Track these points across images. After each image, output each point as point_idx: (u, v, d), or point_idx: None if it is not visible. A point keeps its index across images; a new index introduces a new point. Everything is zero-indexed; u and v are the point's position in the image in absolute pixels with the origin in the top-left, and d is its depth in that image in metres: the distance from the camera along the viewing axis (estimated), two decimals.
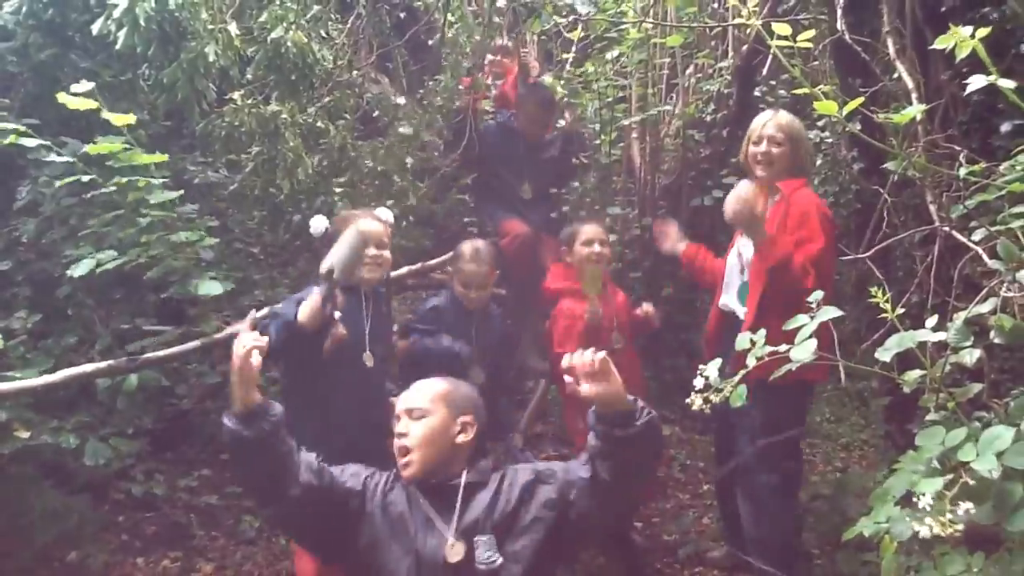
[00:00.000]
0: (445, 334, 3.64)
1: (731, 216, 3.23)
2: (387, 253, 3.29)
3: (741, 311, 3.47)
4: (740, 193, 3.20)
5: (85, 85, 3.32)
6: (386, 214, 3.40)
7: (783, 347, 1.97)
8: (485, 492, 2.34)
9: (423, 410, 2.39)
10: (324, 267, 2.92)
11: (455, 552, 2.23)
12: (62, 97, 3.28)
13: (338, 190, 4.52)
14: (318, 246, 3.31)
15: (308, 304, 2.92)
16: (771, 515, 3.41)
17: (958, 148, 2.83)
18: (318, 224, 3.29)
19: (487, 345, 3.74)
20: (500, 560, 2.22)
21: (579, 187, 5.65)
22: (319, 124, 4.52)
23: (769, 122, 3.51)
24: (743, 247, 3.54)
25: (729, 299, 3.60)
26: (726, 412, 3.38)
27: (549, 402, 4.85)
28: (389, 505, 2.36)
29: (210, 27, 3.99)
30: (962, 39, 1.83)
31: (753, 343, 2.03)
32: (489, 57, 5.73)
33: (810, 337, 1.96)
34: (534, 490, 2.33)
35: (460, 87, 5.40)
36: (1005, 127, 3.30)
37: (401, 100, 5.34)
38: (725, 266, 3.67)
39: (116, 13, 3.66)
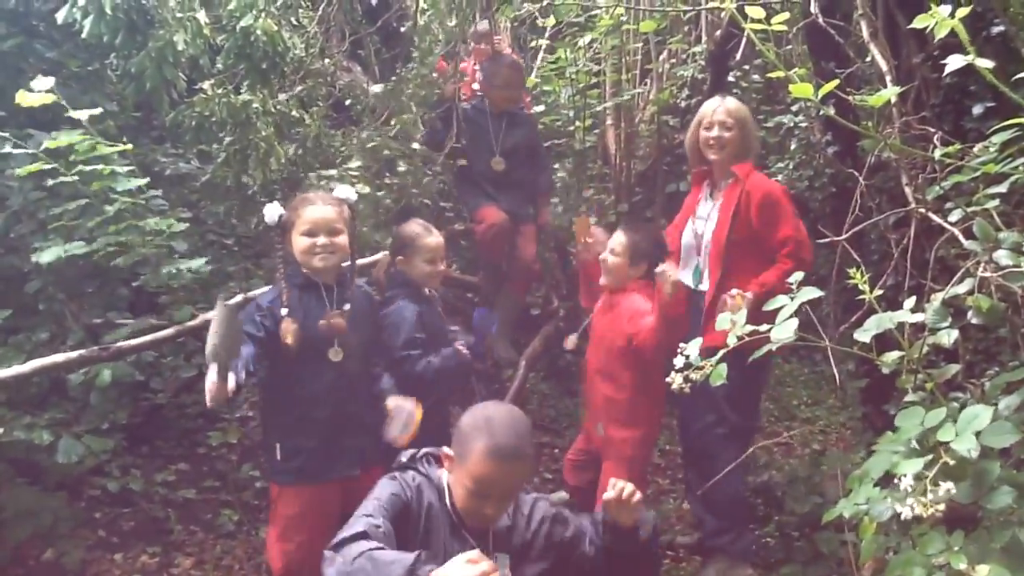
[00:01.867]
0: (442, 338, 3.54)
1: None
2: (341, 239, 3.10)
3: (696, 285, 3.66)
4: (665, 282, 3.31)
5: (45, 81, 3.22)
6: (346, 192, 3.24)
7: (764, 327, 1.98)
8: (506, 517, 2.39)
9: (519, 491, 2.40)
10: (207, 353, 2.66)
11: None
12: (21, 96, 3.19)
13: (328, 172, 4.44)
14: (275, 236, 3.19)
15: (208, 387, 2.68)
16: (722, 468, 3.34)
17: (932, 130, 2.84)
18: (272, 212, 3.12)
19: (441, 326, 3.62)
20: None
21: (563, 173, 5.66)
22: (293, 113, 4.46)
23: (719, 108, 3.65)
24: (699, 226, 3.69)
25: (685, 276, 3.64)
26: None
27: (528, 390, 4.85)
28: (427, 520, 2.30)
29: (178, 15, 3.93)
30: (941, 19, 1.83)
31: (734, 323, 2.04)
32: (472, 45, 5.70)
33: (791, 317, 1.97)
34: (552, 528, 2.42)
35: (434, 74, 5.36)
36: (977, 109, 3.32)
37: (377, 88, 5.27)
38: (679, 241, 3.80)
39: (81, 1, 3.60)
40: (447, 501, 2.32)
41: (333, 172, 4.35)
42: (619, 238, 3.69)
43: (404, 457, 2.41)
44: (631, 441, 3.61)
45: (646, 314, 3.49)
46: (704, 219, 3.70)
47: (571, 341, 4.05)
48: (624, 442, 3.60)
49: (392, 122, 4.91)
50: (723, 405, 3.52)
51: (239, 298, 3.16)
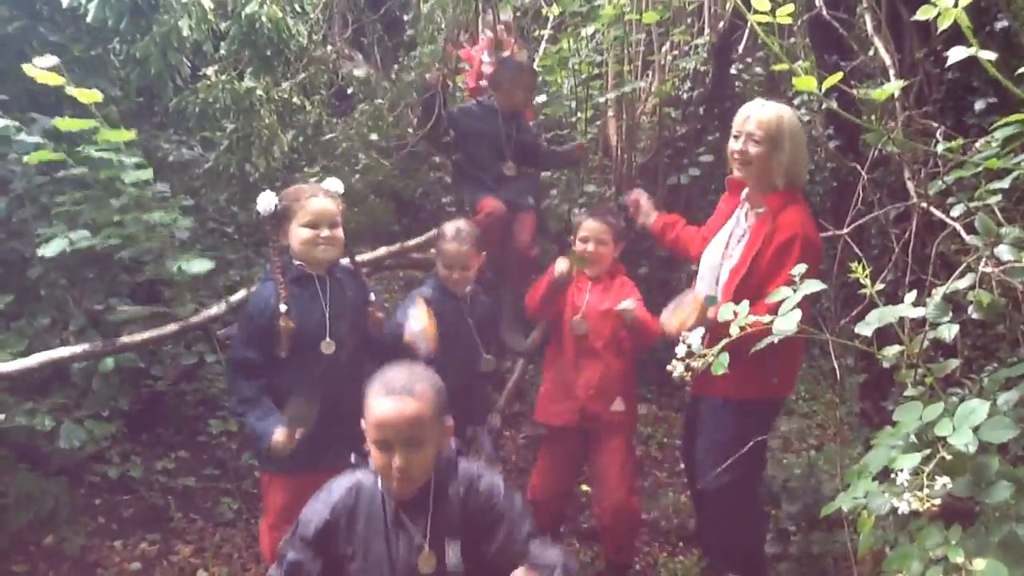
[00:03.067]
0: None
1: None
2: (339, 232, 3.12)
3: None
4: (680, 310, 3.16)
5: (50, 59, 3.21)
6: (336, 184, 3.24)
7: (767, 318, 1.99)
8: (453, 491, 2.26)
9: (419, 440, 2.16)
10: (291, 418, 2.95)
11: (427, 563, 2.20)
12: (27, 69, 3.18)
13: (309, 170, 4.47)
14: (268, 224, 3.17)
15: (277, 440, 2.94)
16: (732, 523, 3.28)
17: (934, 125, 2.85)
18: (267, 202, 3.09)
19: (483, 332, 3.68)
20: (461, 568, 2.20)
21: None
22: (295, 100, 4.46)
23: (751, 116, 3.08)
24: (723, 252, 3.28)
25: (700, 289, 3.35)
26: (693, 423, 3.42)
27: (527, 382, 4.85)
28: (366, 521, 2.25)
29: (183, 0, 3.92)
30: (945, 9, 1.83)
31: (736, 314, 2.05)
32: (488, 33, 5.68)
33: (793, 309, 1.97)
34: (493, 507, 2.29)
35: (436, 65, 5.35)
36: (979, 105, 3.33)
37: (359, 72, 5.26)
38: (701, 256, 3.40)
39: None
40: (379, 487, 2.27)
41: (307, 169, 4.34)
42: (597, 226, 3.72)
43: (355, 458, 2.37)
44: (631, 413, 3.76)
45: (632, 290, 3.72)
46: (730, 245, 3.26)
47: (579, 325, 3.76)
48: (633, 415, 3.79)
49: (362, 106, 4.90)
50: (734, 456, 3.04)
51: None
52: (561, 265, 3.65)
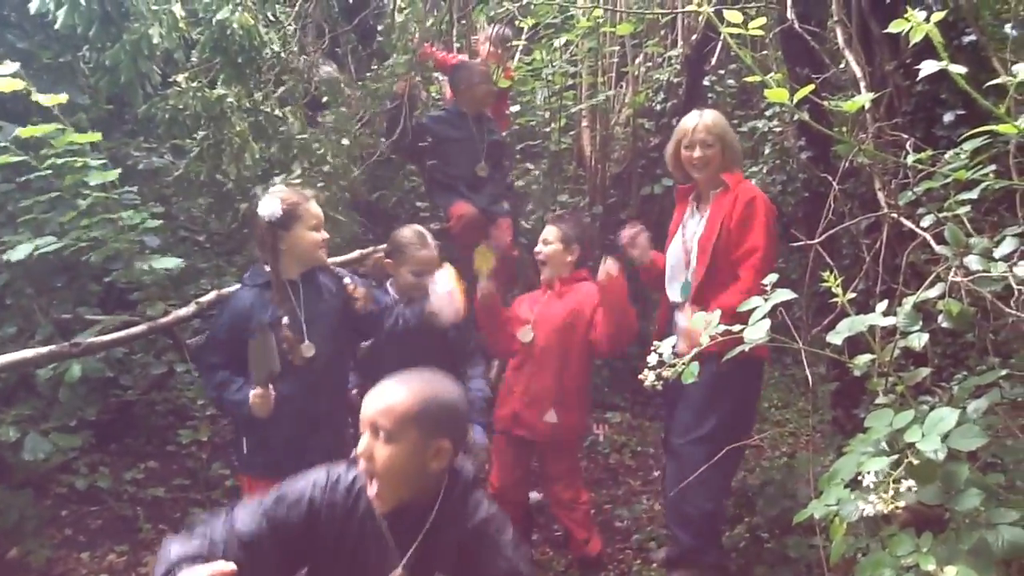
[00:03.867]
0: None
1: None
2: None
3: (683, 299, 3.56)
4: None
5: (10, 66, 3.17)
6: (311, 191, 3.33)
7: (737, 327, 2.00)
8: (453, 528, 2.08)
9: (389, 432, 1.99)
10: (257, 379, 2.94)
11: None
12: None
13: (278, 178, 4.43)
14: (267, 229, 3.07)
15: (254, 400, 2.95)
16: (699, 482, 3.27)
17: (904, 137, 2.88)
18: (271, 206, 3.02)
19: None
20: None
21: (534, 173, 5.67)
22: (276, 112, 4.42)
23: (698, 125, 3.56)
24: (689, 239, 3.61)
25: (672, 291, 3.66)
26: (676, 388, 3.46)
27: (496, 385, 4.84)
28: (348, 518, 2.09)
29: (154, 8, 3.88)
30: (916, 23, 1.85)
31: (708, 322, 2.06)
32: (489, 48, 5.69)
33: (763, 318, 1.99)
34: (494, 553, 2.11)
35: (412, 73, 5.34)
36: (948, 117, 3.37)
37: (327, 71, 5.24)
38: (665, 257, 3.73)
39: None
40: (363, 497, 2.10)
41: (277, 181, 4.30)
42: (549, 229, 3.88)
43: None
44: (578, 426, 3.87)
45: (597, 304, 3.73)
46: (693, 232, 3.62)
47: (525, 333, 3.82)
48: (572, 428, 3.81)
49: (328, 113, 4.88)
50: (711, 415, 3.42)
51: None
52: (483, 287, 3.76)
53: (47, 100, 3.19)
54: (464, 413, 2.18)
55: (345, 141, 4.68)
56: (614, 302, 3.63)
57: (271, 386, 2.95)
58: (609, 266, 3.59)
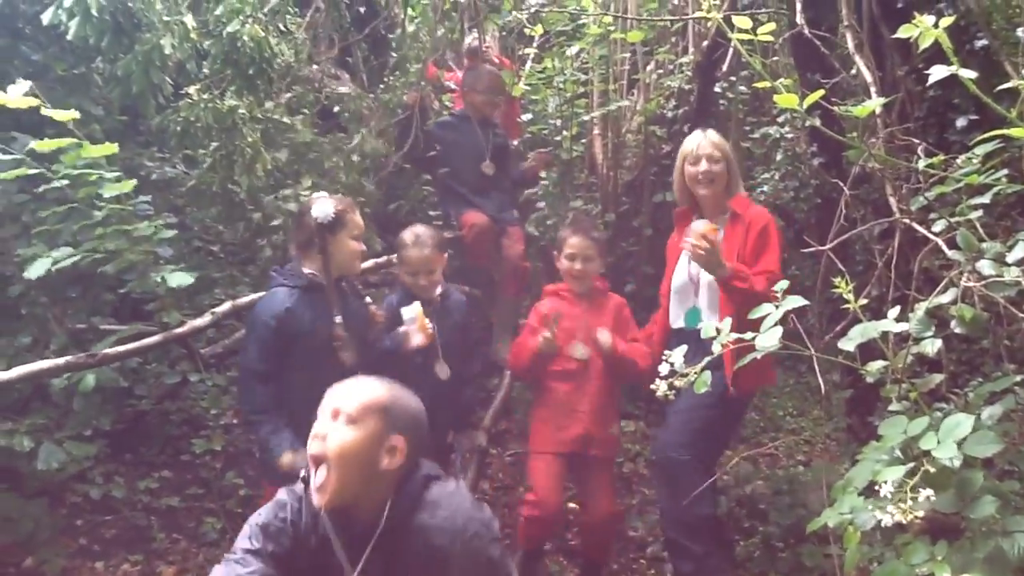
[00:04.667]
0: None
1: (695, 258, 3.23)
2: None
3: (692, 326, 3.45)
4: (700, 232, 3.18)
5: (23, 85, 3.19)
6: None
7: (748, 334, 1.99)
8: (413, 536, 2.02)
9: (350, 416, 1.99)
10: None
11: None
12: (0, 97, 3.16)
13: (304, 187, 4.45)
14: (317, 231, 3.10)
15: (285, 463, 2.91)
16: (688, 491, 3.29)
17: (916, 142, 2.87)
18: (325, 209, 3.07)
19: (447, 336, 3.60)
20: None
21: (546, 182, 5.67)
22: (284, 119, 4.44)
23: (703, 142, 3.52)
24: (695, 266, 3.44)
25: (677, 318, 3.57)
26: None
27: (513, 399, 4.83)
28: (304, 535, 2.05)
29: (165, 19, 3.91)
30: (926, 28, 1.84)
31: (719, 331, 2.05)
32: (465, 58, 5.79)
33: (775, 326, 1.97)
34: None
35: (422, 82, 5.38)
36: (960, 122, 3.36)
37: (344, 88, 5.28)
38: (669, 289, 3.62)
39: (67, 3, 3.57)
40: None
41: (288, 192, 4.33)
42: (582, 241, 3.72)
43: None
44: (614, 438, 3.80)
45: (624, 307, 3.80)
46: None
47: (578, 349, 3.69)
48: (615, 440, 3.82)
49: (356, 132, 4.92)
50: (698, 433, 3.36)
51: None
52: (543, 345, 3.60)
53: (60, 116, 3.21)
54: (425, 428, 2.15)
55: (355, 157, 4.71)
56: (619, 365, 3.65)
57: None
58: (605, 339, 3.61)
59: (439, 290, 3.66)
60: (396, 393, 2.10)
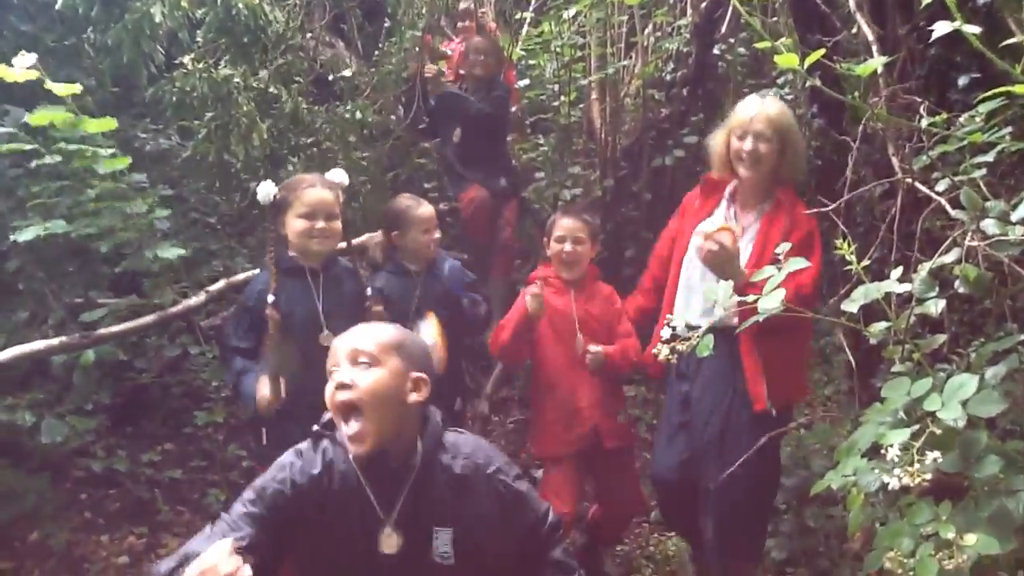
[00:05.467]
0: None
1: (705, 260, 2.83)
2: (336, 224, 3.08)
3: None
4: (709, 232, 2.79)
5: (28, 58, 3.15)
6: (340, 175, 3.17)
7: (751, 297, 1.97)
8: (438, 475, 2.03)
9: (371, 357, 1.96)
10: (272, 369, 2.91)
11: (390, 543, 1.97)
12: (2, 71, 3.10)
13: (293, 159, 4.43)
14: (267, 214, 3.12)
15: (261, 396, 2.90)
16: (748, 523, 3.14)
17: (918, 100, 2.83)
18: (266, 191, 3.03)
19: (437, 305, 3.50)
20: (452, 559, 1.99)
21: (544, 147, 5.63)
22: (271, 89, 4.40)
23: (758, 115, 2.99)
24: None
25: (686, 305, 3.12)
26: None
27: (511, 372, 4.84)
28: (326, 492, 2.00)
29: None
30: None
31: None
32: (458, 24, 5.73)
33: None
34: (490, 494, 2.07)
35: (416, 49, 5.32)
36: (963, 80, 3.31)
37: (348, 72, 5.25)
38: (676, 281, 3.19)
39: None
40: (349, 462, 2.01)
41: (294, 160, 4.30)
42: (576, 225, 3.48)
43: (322, 422, 2.10)
44: (628, 425, 3.62)
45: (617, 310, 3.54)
46: None
47: (581, 343, 3.45)
48: (626, 428, 3.58)
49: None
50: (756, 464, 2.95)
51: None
52: (532, 303, 3.37)
53: (61, 89, 3.17)
54: (426, 350, 2.19)
55: (351, 138, 4.68)
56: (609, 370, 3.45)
57: (282, 382, 2.89)
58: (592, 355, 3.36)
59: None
60: (404, 331, 2.13)
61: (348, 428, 1.95)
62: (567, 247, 3.47)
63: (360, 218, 4.41)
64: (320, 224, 3.02)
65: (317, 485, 1.99)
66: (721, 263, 2.77)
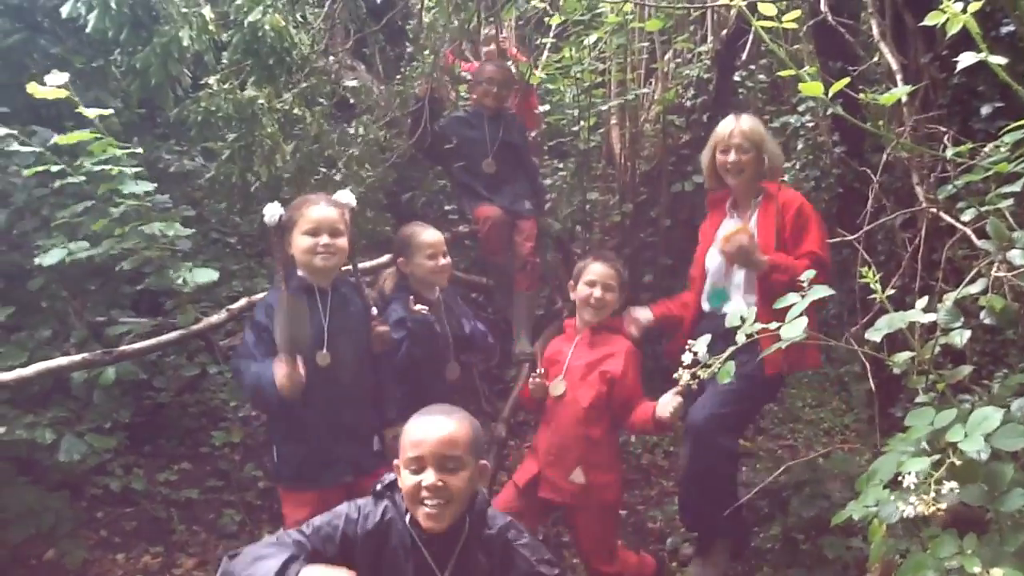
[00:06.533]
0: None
1: (730, 260, 3.35)
2: (341, 241, 3.07)
3: (718, 307, 3.48)
4: (731, 234, 3.28)
5: (60, 76, 3.19)
6: (347, 196, 3.19)
7: (774, 325, 1.96)
8: (484, 542, 2.26)
9: (459, 461, 2.17)
10: (281, 343, 2.91)
11: None
12: (32, 88, 3.15)
13: (314, 180, 4.46)
14: (273, 235, 3.13)
15: (280, 376, 2.88)
16: (714, 452, 3.34)
17: (942, 130, 2.83)
18: (272, 212, 3.05)
19: (453, 333, 3.58)
20: None
21: (563, 172, 5.64)
22: (295, 111, 4.44)
23: (734, 129, 3.48)
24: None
25: (703, 300, 3.59)
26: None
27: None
28: (382, 548, 2.23)
29: (184, 11, 3.91)
30: (954, 14, 1.81)
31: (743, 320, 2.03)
32: (484, 49, 5.75)
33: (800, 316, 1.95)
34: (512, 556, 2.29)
35: (435, 74, 5.36)
36: (986, 109, 3.31)
37: (356, 82, 5.29)
38: (704, 269, 3.58)
39: None
40: (407, 525, 2.23)
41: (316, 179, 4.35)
42: (604, 270, 3.45)
43: (385, 482, 2.31)
44: (614, 485, 3.43)
45: (628, 355, 3.42)
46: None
47: (557, 386, 3.47)
48: (607, 487, 3.39)
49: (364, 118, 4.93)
50: (733, 404, 3.34)
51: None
52: (535, 393, 3.45)
53: (91, 113, 3.22)
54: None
55: (357, 143, 4.71)
56: (653, 431, 3.41)
57: (300, 362, 2.89)
58: (670, 402, 3.19)
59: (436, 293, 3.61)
60: (470, 422, 2.27)
61: (428, 507, 2.15)
62: (596, 292, 3.43)
63: (370, 239, 4.45)
64: (324, 240, 3.03)
65: (372, 538, 2.22)
66: (744, 257, 3.29)
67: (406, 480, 2.17)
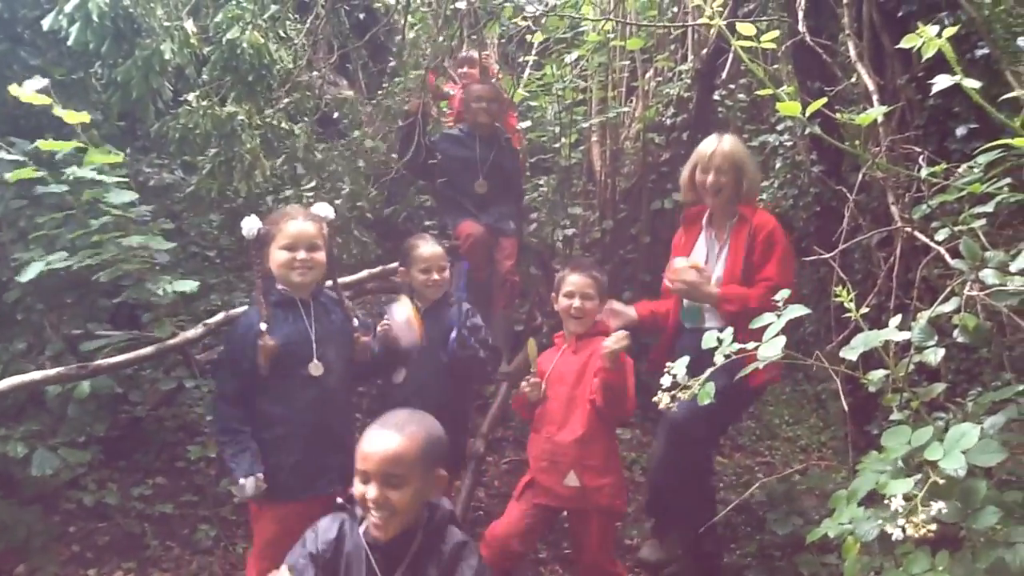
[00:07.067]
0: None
1: (679, 295, 3.53)
2: (319, 255, 3.09)
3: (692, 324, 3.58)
4: (677, 272, 3.48)
5: (39, 81, 3.18)
6: (325, 209, 3.21)
7: (751, 344, 1.98)
8: (437, 554, 2.29)
9: (401, 478, 2.20)
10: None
11: None
12: (14, 90, 3.12)
13: (289, 192, 4.46)
14: (252, 249, 3.14)
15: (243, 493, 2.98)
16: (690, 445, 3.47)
17: (917, 150, 2.86)
18: (250, 225, 3.08)
19: (440, 341, 3.56)
20: None
21: (544, 188, 5.67)
22: (283, 126, 4.44)
23: (715, 151, 3.52)
24: (709, 262, 3.60)
25: (685, 316, 3.64)
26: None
27: (510, 406, 4.82)
28: (338, 555, 2.32)
29: (166, 24, 3.90)
30: (929, 38, 1.84)
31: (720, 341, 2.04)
32: (460, 69, 5.79)
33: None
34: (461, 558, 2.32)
35: (421, 90, 5.38)
36: (961, 131, 3.36)
37: (343, 93, 5.31)
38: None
39: (68, 8, 3.56)
40: (359, 533, 2.32)
41: (290, 192, 4.34)
42: (582, 280, 3.47)
43: (347, 496, 2.38)
44: (610, 488, 3.37)
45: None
46: (709, 260, 3.58)
47: (533, 388, 3.49)
48: (602, 490, 3.35)
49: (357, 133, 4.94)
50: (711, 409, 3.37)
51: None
52: (532, 396, 3.45)
53: (70, 117, 3.19)
54: (444, 437, 2.37)
55: (361, 163, 4.72)
56: (615, 386, 3.26)
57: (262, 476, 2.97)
58: (615, 340, 3.19)
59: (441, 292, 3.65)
60: (421, 435, 2.27)
61: (374, 517, 2.22)
62: (576, 303, 3.46)
63: (356, 252, 4.44)
64: (301, 255, 3.04)
65: (329, 546, 2.30)
66: (692, 293, 3.47)
67: (356, 489, 2.25)
